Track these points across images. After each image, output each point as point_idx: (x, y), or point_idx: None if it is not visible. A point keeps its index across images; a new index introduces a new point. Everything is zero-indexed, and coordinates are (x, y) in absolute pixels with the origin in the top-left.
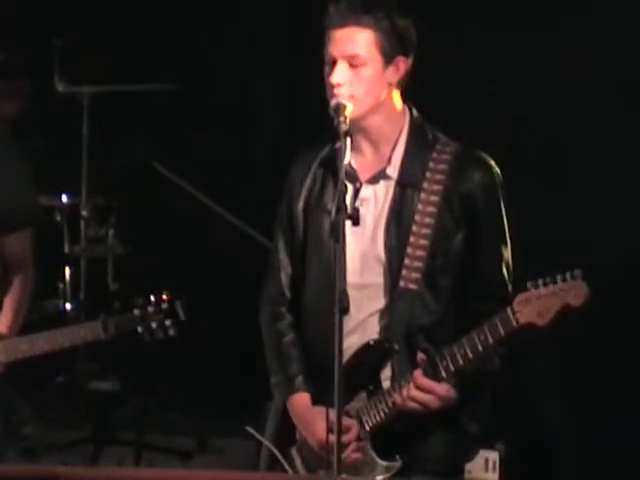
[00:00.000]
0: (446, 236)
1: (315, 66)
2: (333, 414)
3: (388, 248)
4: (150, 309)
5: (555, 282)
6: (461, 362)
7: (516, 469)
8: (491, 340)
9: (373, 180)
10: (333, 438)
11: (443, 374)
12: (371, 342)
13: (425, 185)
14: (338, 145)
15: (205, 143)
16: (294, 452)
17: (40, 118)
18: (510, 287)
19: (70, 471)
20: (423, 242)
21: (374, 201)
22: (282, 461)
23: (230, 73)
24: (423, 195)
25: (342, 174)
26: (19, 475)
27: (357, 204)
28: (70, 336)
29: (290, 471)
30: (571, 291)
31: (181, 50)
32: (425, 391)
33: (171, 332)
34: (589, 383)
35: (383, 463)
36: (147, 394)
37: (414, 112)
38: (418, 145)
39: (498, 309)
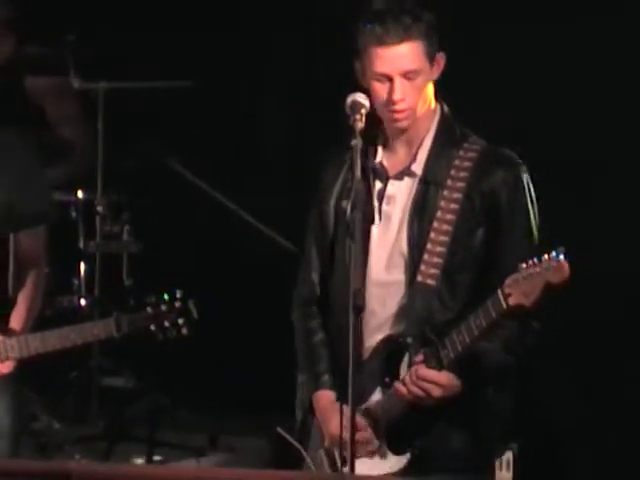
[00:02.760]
0: (467, 233)
1: (326, 65)
2: (349, 411)
3: (411, 244)
4: (163, 307)
5: (541, 262)
6: (459, 348)
7: (530, 468)
8: (484, 323)
9: (399, 176)
10: (346, 435)
11: (444, 362)
12: (387, 338)
13: (449, 182)
14: (354, 143)
15: (220, 140)
16: (322, 453)
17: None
18: None
19: (83, 467)
20: (443, 238)
21: (399, 198)
22: (308, 462)
23: (245, 71)
24: (446, 192)
25: (358, 172)
26: (32, 471)
27: (384, 202)
28: (82, 333)
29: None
30: (552, 269)
31: (196, 47)
32: (427, 381)
33: (184, 331)
34: (602, 380)
35: (395, 456)
36: (160, 391)
37: (445, 109)
38: (445, 142)
39: None
